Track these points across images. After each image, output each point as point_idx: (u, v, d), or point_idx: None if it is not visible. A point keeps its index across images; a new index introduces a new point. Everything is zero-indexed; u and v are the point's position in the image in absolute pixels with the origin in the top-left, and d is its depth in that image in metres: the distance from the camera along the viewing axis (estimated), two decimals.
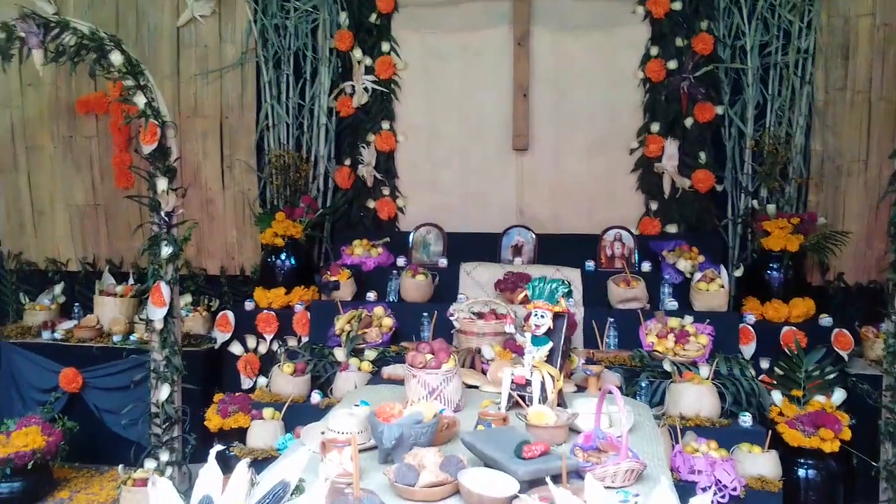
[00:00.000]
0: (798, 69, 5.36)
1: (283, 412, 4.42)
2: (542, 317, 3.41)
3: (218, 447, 2.43)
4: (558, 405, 3.26)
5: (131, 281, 5.85)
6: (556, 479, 2.26)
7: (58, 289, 6.04)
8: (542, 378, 3.30)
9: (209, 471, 2.20)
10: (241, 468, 2.23)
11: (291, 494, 2.13)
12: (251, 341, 5.22)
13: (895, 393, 4.08)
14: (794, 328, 4.74)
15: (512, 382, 3.37)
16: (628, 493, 2.28)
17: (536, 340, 3.42)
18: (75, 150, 6.11)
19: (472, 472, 2.43)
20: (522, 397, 3.31)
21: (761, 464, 3.87)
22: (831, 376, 4.37)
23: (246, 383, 5.13)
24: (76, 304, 5.91)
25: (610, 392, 2.70)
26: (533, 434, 2.75)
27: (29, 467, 4.50)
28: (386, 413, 2.75)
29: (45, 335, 5.48)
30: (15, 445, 4.51)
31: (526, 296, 3.54)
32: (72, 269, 6.23)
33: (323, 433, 2.99)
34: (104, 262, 6.17)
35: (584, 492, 2.10)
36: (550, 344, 3.41)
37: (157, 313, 4.56)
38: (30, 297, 6.03)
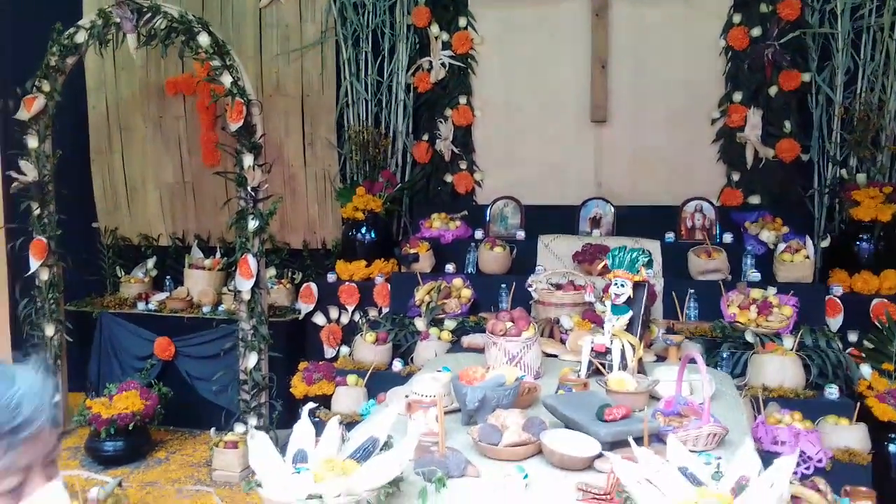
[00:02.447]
0: (894, 32, 5.12)
1: (366, 379, 4.55)
2: (622, 286, 3.42)
3: (311, 405, 2.56)
4: (638, 373, 3.28)
5: (218, 255, 6.09)
6: (638, 442, 2.29)
7: (150, 263, 6.33)
8: (622, 346, 3.33)
9: (303, 427, 2.32)
10: (333, 424, 2.34)
11: (380, 449, 2.23)
12: (333, 312, 5.39)
13: None
14: (885, 300, 4.58)
15: (592, 350, 3.40)
16: (710, 456, 2.29)
17: (616, 309, 3.43)
18: (165, 130, 6.37)
19: (554, 433, 2.48)
20: (603, 365, 3.34)
21: (849, 436, 3.78)
22: None
23: (329, 352, 5.31)
24: (167, 276, 6.20)
25: (692, 360, 2.70)
26: (613, 400, 2.78)
27: (130, 428, 4.78)
28: (469, 376, 2.82)
29: (140, 306, 5.76)
30: (117, 408, 4.79)
31: (606, 265, 3.56)
32: (162, 243, 6.52)
33: (407, 396, 3.10)
34: (192, 236, 6.43)
35: (667, 452, 2.13)
36: (630, 313, 3.42)
37: (245, 284, 4.75)
38: (125, 270, 6.33)
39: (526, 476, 2.23)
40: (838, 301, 4.62)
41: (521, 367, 3.32)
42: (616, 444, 2.40)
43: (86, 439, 4.92)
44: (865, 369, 4.21)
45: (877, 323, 4.47)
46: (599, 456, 2.36)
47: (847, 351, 4.35)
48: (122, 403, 4.83)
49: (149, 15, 4.73)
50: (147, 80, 6.29)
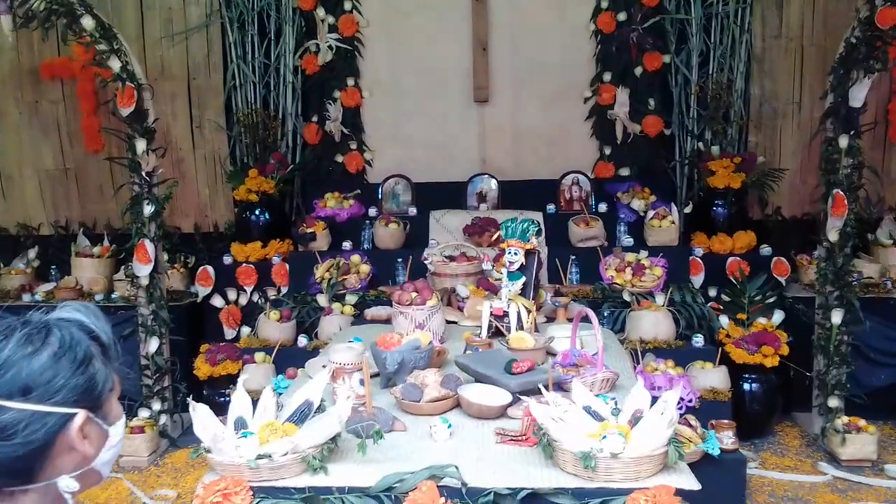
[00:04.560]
0: (738, 18, 5.72)
1: (273, 356, 4.69)
2: (516, 254, 3.76)
3: (245, 376, 2.72)
4: (534, 332, 3.63)
5: (106, 242, 5.97)
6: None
7: (32, 253, 6.10)
8: (518, 309, 3.66)
9: (239, 396, 2.49)
10: (268, 392, 2.53)
11: (315, 412, 2.44)
12: (232, 294, 5.45)
13: (826, 311, 4.54)
14: (738, 258, 5.17)
15: (491, 314, 3.72)
16: (606, 397, 2.64)
17: (511, 276, 3.77)
18: (41, 116, 6.14)
19: (469, 387, 2.77)
20: (501, 327, 3.66)
21: (713, 378, 4.33)
22: (771, 300, 4.83)
23: (229, 333, 5.36)
24: (52, 266, 6.00)
25: (586, 316, 3.05)
26: (516, 356, 3.10)
27: None
28: (387, 342, 3.06)
29: (26, 298, 5.59)
30: None
31: (500, 235, 3.88)
32: (44, 233, 6.30)
33: (324, 366, 3.30)
34: (77, 224, 6.25)
35: (572, 395, 2.46)
36: (524, 278, 3.76)
37: (142, 270, 4.76)
38: (3, 262, 6.07)
39: (450, 426, 2.50)
40: (699, 261, 5.17)
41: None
42: (524, 394, 2.72)
43: None
44: (724, 320, 4.78)
45: (731, 279, 5.03)
46: (511, 404, 2.67)
47: (708, 304, 4.90)
48: None
49: None
50: (19, 62, 6.03)
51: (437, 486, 2.11)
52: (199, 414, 2.35)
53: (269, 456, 2.19)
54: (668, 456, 2.16)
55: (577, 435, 2.18)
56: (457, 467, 2.16)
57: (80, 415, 1.03)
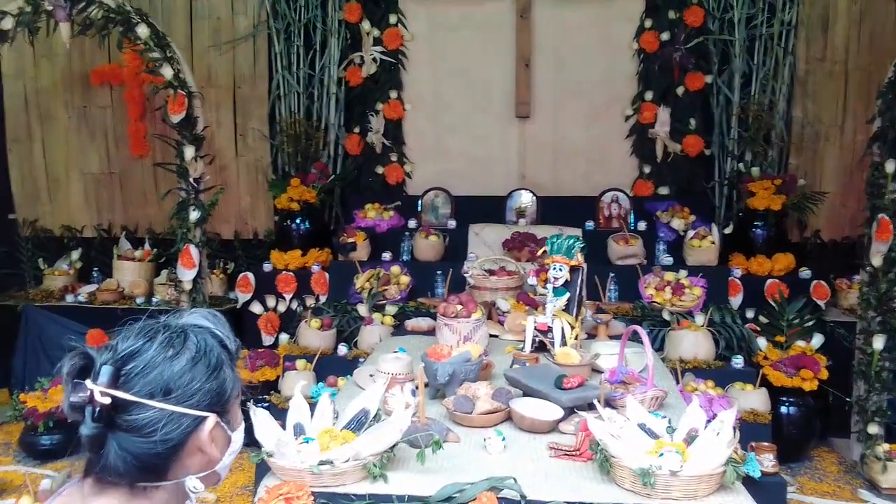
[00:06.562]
0: (781, 41, 5.74)
1: (314, 363, 4.73)
2: (561, 270, 3.78)
3: (303, 382, 2.77)
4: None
5: (147, 246, 6.07)
6: (591, 406, 2.64)
7: (75, 254, 6.22)
8: (562, 325, 3.68)
9: (297, 403, 2.54)
10: (325, 399, 2.57)
11: (372, 419, 2.48)
12: (270, 301, 5.50)
13: (867, 336, 4.51)
14: (776, 280, 5.16)
15: (535, 329, 3.75)
16: (658, 414, 2.66)
17: (556, 291, 3.80)
18: (90, 120, 6.28)
19: (521, 401, 2.80)
20: (545, 342, 3.69)
21: (753, 399, 4.31)
22: (810, 323, 4.80)
23: (267, 340, 5.40)
24: (94, 269, 6.12)
25: (635, 331, 3.07)
26: (565, 372, 3.12)
27: (69, 420, 4.74)
28: (438, 353, 3.10)
29: (69, 298, 5.69)
30: (54, 400, 4.75)
31: (545, 251, 3.91)
32: (87, 235, 6.42)
33: (371, 375, 3.34)
34: (119, 228, 6.37)
35: (626, 411, 2.48)
36: (568, 294, 3.79)
37: (187, 274, 4.85)
38: (47, 263, 6.19)
39: (504, 439, 2.53)
40: (738, 282, 5.15)
41: None
42: (573, 409, 2.75)
43: (20, 434, 4.85)
44: (761, 341, 4.75)
45: (770, 301, 5.01)
46: (562, 419, 2.70)
47: (746, 326, 4.89)
48: (59, 395, 4.80)
49: (83, 4, 4.69)
50: (70, 68, 6.17)
51: (497, 498, 2.14)
52: (260, 418, 2.41)
53: (332, 462, 2.23)
54: (727, 475, 2.18)
55: (634, 451, 2.20)
56: (515, 479, 2.19)
57: (211, 418, 1.08)
